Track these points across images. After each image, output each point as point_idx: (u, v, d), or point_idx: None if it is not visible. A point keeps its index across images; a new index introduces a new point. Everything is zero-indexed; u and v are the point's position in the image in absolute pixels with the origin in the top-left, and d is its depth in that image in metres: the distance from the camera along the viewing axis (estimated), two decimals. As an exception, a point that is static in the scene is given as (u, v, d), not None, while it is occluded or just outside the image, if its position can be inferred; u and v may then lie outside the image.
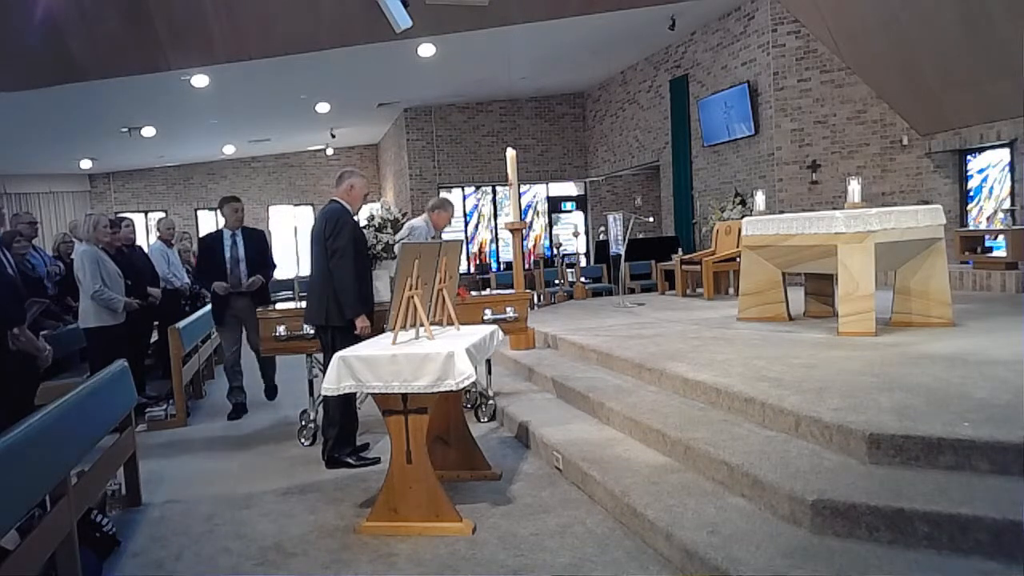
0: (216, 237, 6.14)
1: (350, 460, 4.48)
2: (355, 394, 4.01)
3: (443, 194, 16.60)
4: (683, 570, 2.83)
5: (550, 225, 17.53)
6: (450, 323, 4.09)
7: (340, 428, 4.47)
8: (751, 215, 7.86)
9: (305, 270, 19.57)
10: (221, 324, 6.15)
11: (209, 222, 19.78)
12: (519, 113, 16.69)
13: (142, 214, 18.29)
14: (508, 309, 5.45)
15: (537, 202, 17.46)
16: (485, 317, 5.30)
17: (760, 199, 8.20)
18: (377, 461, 4.42)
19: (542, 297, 11.14)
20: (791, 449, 3.35)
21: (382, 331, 4.07)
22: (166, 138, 14.62)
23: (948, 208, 8.42)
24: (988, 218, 9.45)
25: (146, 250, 7.67)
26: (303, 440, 5.07)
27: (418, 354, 3.38)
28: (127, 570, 3.25)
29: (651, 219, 13.49)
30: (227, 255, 6.03)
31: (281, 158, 19.78)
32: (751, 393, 3.87)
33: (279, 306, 5.74)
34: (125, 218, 7.09)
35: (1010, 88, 8.16)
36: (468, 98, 15.88)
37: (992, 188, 9.55)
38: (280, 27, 9.00)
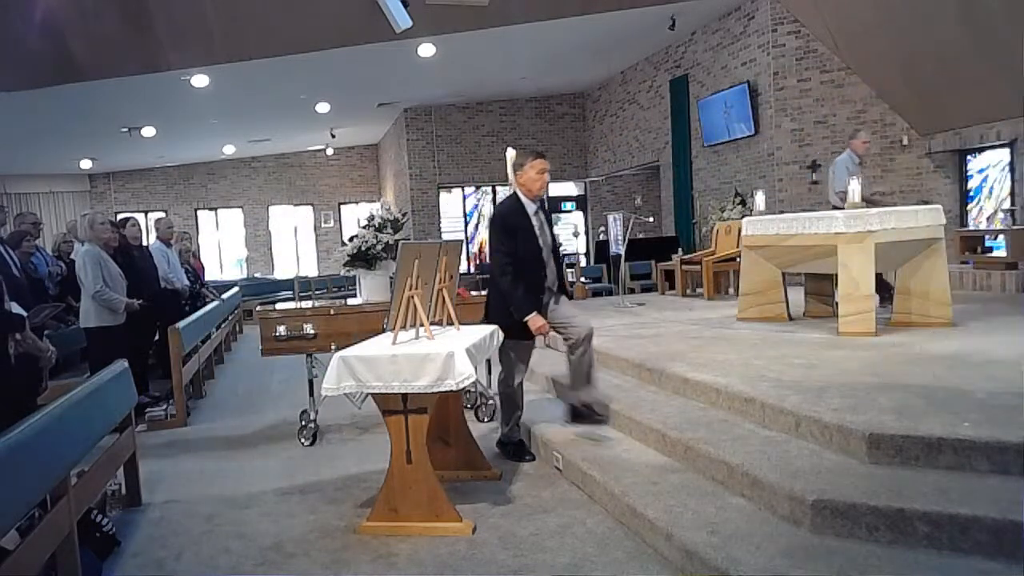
0: (518, 210, 4.12)
1: None
2: None
3: (443, 194, 16.65)
4: (683, 570, 2.83)
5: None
6: (450, 323, 4.09)
7: None
8: (751, 215, 7.86)
9: (304, 270, 19.61)
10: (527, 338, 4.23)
11: (209, 222, 19.81)
12: (519, 113, 16.69)
13: (142, 214, 18.28)
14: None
15: (537, 202, 17.45)
16: (485, 317, 5.28)
17: (760, 199, 8.19)
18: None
19: (542, 297, 11.11)
20: (791, 449, 3.35)
21: None
22: (166, 138, 14.63)
23: (948, 208, 8.42)
24: (988, 218, 9.45)
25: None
26: (303, 440, 5.06)
27: (418, 354, 3.38)
28: (127, 570, 3.24)
29: (651, 219, 13.49)
30: (537, 235, 4.13)
31: (281, 158, 19.79)
32: (751, 393, 3.87)
33: (279, 306, 5.75)
34: (131, 217, 7.09)
35: (1010, 88, 8.16)
36: (468, 98, 15.88)
37: (992, 188, 9.55)
38: (280, 27, 9.01)
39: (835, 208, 6.47)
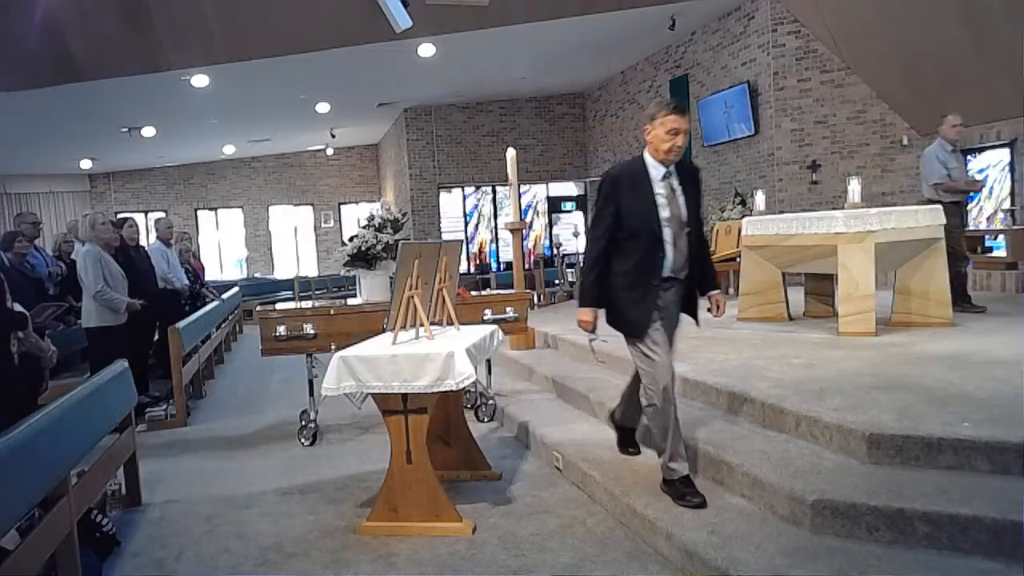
0: (636, 172, 3.34)
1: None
2: None
3: (443, 194, 16.64)
4: (683, 570, 2.83)
5: (550, 225, 17.52)
6: (450, 323, 4.09)
7: None
8: (751, 215, 7.86)
9: (304, 270, 19.62)
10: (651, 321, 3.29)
11: (210, 222, 19.79)
12: (519, 113, 16.69)
13: (142, 214, 18.29)
14: (508, 309, 5.45)
15: (537, 202, 17.47)
16: (485, 317, 5.30)
17: (760, 199, 8.20)
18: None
19: (542, 297, 11.15)
20: (791, 449, 3.35)
21: None
22: (166, 138, 14.63)
23: (948, 208, 8.42)
24: (988, 218, 9.46)
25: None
26: (303, 440, 5.07)
27: (418, 354, 3.38)
28: (127, 570, 3.24)
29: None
30: (658, 206, 3.27)
31: (281, 158, 19.78)
32: (751, 393, 3.87)
33: (279, 306, 5.75)
34: (129, 218, 7.09)
35: (1010, 88, 8.16)
36: (468, 98, 15.88)
37: (992, 188, 9.55)
38: (280, 27, 9.01)
39: (930, 201, 6.21)
